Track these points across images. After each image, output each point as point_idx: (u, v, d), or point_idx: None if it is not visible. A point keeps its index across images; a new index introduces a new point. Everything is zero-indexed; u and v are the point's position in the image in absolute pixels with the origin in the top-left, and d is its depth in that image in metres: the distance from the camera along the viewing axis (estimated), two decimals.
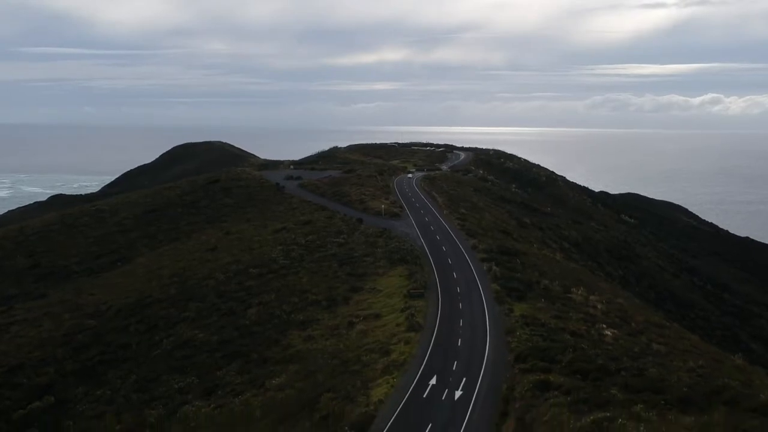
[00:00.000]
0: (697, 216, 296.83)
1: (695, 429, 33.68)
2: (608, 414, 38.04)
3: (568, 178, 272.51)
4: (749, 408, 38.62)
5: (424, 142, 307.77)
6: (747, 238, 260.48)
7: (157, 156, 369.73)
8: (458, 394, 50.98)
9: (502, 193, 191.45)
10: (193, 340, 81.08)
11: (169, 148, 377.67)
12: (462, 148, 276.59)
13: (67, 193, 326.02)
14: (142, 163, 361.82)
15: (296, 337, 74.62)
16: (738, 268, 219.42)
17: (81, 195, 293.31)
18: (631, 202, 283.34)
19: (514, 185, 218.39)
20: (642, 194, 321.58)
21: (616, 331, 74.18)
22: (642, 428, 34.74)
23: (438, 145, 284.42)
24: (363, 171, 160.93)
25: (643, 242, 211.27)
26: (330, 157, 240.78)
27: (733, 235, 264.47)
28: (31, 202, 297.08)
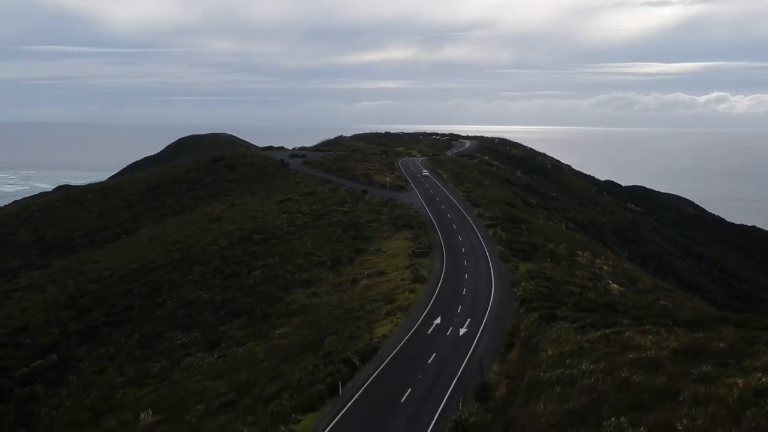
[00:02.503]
0: (704, 209, 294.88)
1: (704, 339, 33.05)
2: (616, 329, 37.47)
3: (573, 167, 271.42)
4: (758, 327, 38.03)
5: (429, 131, 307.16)
6: (754, 227, 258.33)
7: (163, 148, 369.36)
8: (463, 331, 50.52)
9: (508, 176, 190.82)
10: (196, 300, 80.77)
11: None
12: (467, 137, 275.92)
13: (74, 184, 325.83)
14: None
15: (300, 294, 74.27)
16: (746, 257, 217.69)
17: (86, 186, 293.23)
18: (638, 192, 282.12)
19: (519, 171, 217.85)
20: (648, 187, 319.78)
21: (623, 288, 73.68)
22: (650, 338, 34.12)
23: (443, 135, 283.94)
24: (368, 150, 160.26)
25: (649, 228, 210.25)
26: (335, 144, 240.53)
27: (741, 225, 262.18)
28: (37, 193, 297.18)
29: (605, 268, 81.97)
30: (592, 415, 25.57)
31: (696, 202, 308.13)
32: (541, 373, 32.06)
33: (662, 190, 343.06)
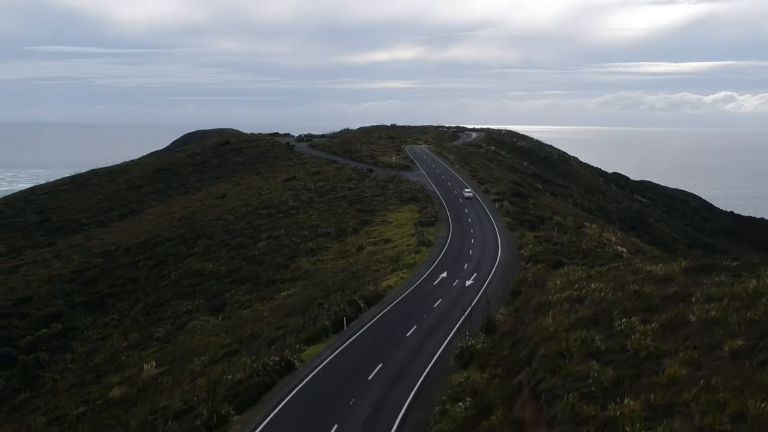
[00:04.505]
0: (712, 204, 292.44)
1: (716, 259, 32.29)
2: (625, 262, 36.80)
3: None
4: None
5: (435, 125, 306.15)
6: (763, 219, 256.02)
7: (169, 144, 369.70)
8: (469, 282, 49.98)
9: (514, 165, 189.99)
10: (202, 270, 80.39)
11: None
12: (474, 129, 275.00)
13: None
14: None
15: (305, 261, 73.79)
16: (754, 248, 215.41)
17: None
18: (646, 185, 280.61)
19: (526, 162, 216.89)
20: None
21: (631, 256, 72.86)
22: (660, 266, 33.40)
23: (450, 127, 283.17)
24: (374, 134, 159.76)
25: (656, 218, 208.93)
26: (341, 134, 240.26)
27: (749, 217, 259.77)
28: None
29: (613, 238, 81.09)
30: (603, 319, 24.98)
31: (704, 198, 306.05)
32: (549, 297, 31.45)
33: (669, 186, 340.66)
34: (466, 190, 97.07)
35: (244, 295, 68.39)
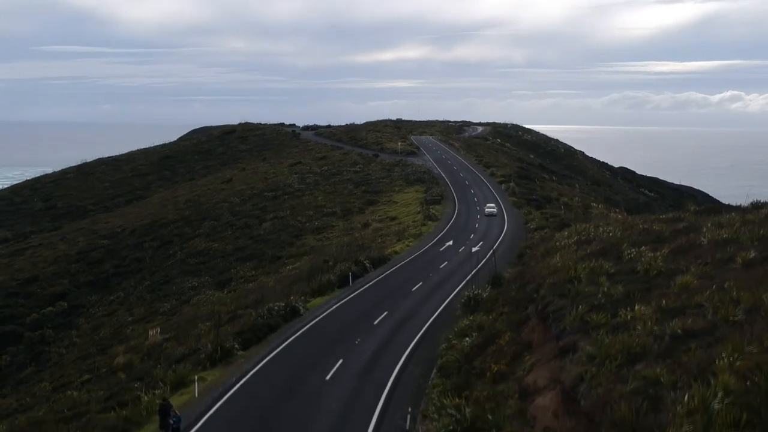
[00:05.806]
0: (719, 201, 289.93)
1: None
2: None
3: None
4: None
5: (441, 120, 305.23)
6: None
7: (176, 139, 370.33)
8: (475, 249, 49.56)
9: (520, 156, 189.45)
10: (207, 249, 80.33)
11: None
12: (479, 123, 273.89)
13: None
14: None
15: (310, 239, 73.66)
16: None
17: None
18: (652, 180, 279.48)
19: (532, 155, 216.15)
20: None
21: None
22: (670, 214, 33.02)
23: (456, 121, 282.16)
24: (380, 123, 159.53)
25: (663, 211, 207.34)
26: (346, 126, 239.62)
27: None
28: None
29: (620, 217, 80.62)
30: (612, 252, 24.67)
31: (712, 195, 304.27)
32: (556, 243, 31.16)
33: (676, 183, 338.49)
34: (488, 205, 73.93)
35: (249, 271, 68.27)
